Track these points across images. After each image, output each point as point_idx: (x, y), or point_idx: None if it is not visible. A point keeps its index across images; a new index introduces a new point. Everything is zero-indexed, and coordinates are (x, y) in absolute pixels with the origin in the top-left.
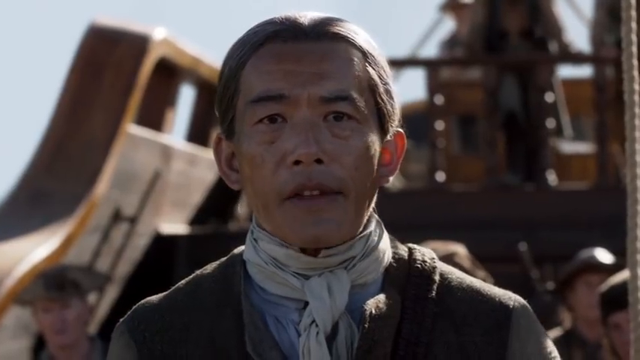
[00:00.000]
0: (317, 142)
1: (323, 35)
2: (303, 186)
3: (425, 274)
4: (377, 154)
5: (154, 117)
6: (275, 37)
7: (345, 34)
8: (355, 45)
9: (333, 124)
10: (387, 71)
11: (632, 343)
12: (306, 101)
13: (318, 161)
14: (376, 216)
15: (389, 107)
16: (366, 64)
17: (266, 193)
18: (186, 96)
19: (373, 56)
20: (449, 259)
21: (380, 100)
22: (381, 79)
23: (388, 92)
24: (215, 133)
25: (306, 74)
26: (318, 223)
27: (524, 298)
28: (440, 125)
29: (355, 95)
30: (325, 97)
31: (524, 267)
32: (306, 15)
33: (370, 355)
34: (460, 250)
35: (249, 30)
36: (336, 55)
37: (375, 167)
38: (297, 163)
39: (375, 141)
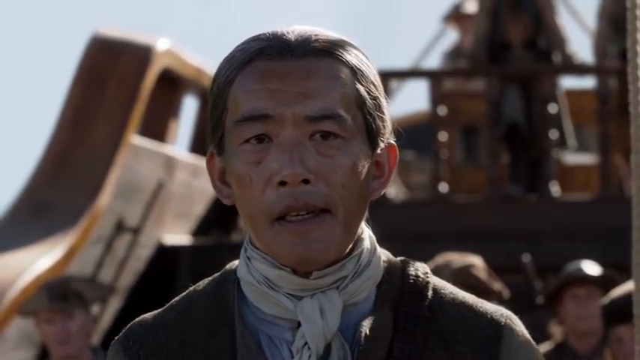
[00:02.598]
0: (302, 161)
1: (309, 52)
2: (290, 207)
3: (417, 289)
4: (365, 170)
5: (157, 128)
6: (261, 55)
7: (332, 50)
8: (342, 61)
9: (319, 142)
10: (377, 85)
11: (637, 354)
12: (291, 121)
13: (305, 181)
14: (369, 230)
15: (378, 122)
16: (354, 80)
17: (255, 214)
18: (190, 107)
19: (361, 71)
20: (466, 270)
21: (368, 116)
22: (369, 94)
23: (377, 107)
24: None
25: (290, 93)
26: (306, 243)
27: (527, 310)
28: (443, 136)
29: (341, 113)
30: (310, 116)
31: (528, 278)
32: (294, 30)
33: None
34: (477, 262)
35: (237, 46)
36: (322, 72)
37: (364, 183)
38: (282, 183)
39: (362, 157)
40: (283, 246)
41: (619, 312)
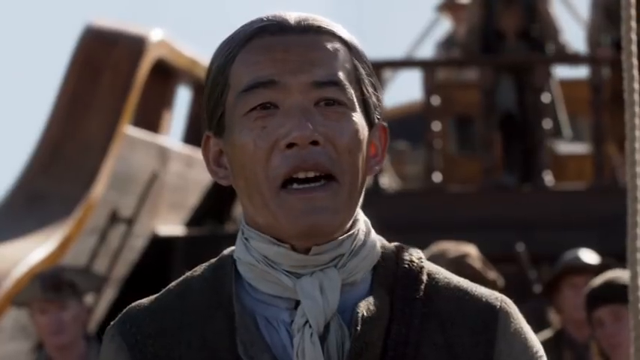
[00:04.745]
0: (311, 124)
1: (308, 28)
2: (297, 168)
3: (412, 274)
4: (366, 141)
5: (151, 118)
6: (262, 32)
7: (330, 28)
8: (340, 38)
9: (324, 108)
10: (370, 65)
11: (632, 341)
12: (297, 87)
13: (314, 143)
14: (363, 215)
15: (374, 99)
16: (351, 57)
17: (260, 182)
18: (183, 97)
19: (357, 49)
20: (461, 260)
21: (366, 91)
22: (365, 70)
23: (373, 84)
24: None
25: (295, 62)
26: (313, 211)
27: (522, 299)
28: (436, 126)
29: (345, 81)
30: (317, 81)
31: (522, 267)
32: (291, 13)
33: (362, 357)
34: (472, 251)
35: (236, 30)
36: (323, 46)
37: (366, 154)
38: (290, 146)
39: (364, 127)
40: (289, 215)
41: (598, 295)
